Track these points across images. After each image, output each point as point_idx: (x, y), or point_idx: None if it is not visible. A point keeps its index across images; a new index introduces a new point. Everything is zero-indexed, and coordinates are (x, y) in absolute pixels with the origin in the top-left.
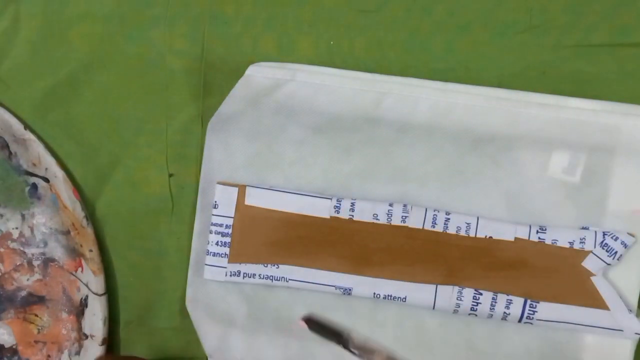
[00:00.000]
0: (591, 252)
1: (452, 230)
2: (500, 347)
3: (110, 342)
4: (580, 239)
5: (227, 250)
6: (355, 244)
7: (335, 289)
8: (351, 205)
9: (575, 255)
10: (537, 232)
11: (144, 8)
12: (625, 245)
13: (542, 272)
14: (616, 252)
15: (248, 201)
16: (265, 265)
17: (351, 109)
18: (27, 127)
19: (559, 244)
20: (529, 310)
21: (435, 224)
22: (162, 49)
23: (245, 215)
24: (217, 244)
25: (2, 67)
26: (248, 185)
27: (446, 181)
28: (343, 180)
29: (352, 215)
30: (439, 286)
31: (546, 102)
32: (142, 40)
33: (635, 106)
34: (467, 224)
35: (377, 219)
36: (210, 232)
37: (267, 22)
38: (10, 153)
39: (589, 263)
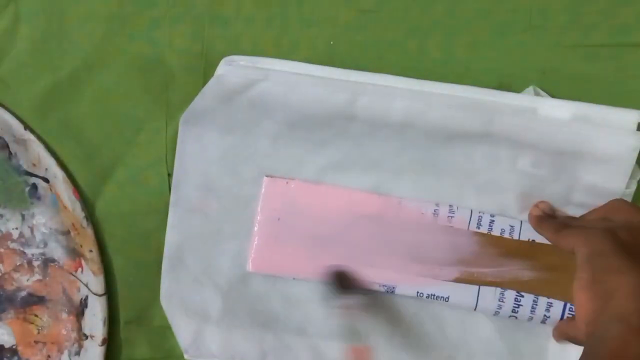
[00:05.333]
0: None
1: (496, 232)
2: (470, 335)
3: (110, 342)
4: None
5: (272, 243)
6: (400, 242)
7: (379, 286)
8: (398, 203)
9: None
10: None
11: (145, 8)
12: None
13: None
14: None
15: (294, 194)
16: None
17: (325, 107)
18: (27, 127)
19: None
20: (569, 313)
21: (480, 225)
22: (163, 49)
23: (290, 209)
24: (262, 236)
25: (2, 67)
26: (295, 179)
27: (419, 173)
28: (317, 172)
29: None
30: (481, 287)
31: (520, 104)
32: (143, 40)
33: (608, 111)
34: (511, 226)
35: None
36: (256, 225)
37: (267, 22)
38: (10, 153)
39: None
